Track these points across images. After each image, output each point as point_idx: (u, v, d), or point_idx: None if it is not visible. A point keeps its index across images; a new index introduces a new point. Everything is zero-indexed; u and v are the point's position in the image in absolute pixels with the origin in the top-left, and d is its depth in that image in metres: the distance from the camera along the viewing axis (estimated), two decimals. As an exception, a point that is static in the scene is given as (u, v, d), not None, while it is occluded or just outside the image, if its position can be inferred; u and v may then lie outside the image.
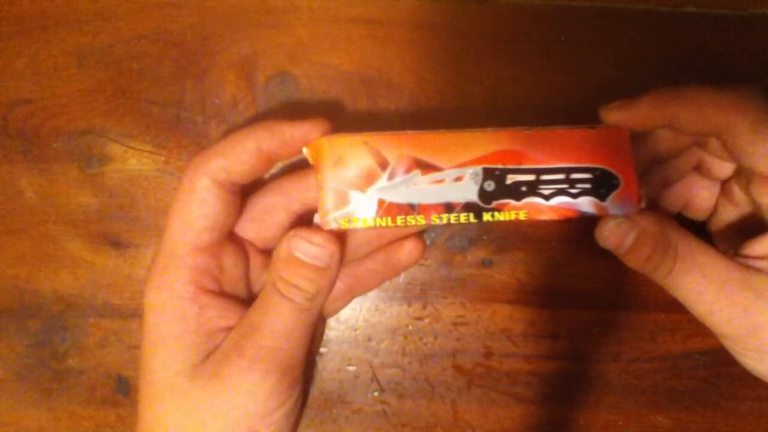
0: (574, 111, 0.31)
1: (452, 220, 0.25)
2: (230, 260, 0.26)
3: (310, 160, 0.25)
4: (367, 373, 0.32)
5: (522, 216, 0.25)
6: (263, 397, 0.24)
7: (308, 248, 0.24)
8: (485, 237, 0.32)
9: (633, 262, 0.25)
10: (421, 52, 0.31)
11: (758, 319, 0.23)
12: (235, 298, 0.26)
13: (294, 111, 0.31)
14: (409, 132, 0.24)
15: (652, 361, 0.32)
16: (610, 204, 0.25)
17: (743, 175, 0.26)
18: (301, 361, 0.25)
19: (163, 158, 0.31)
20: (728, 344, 0.25)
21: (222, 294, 0.25)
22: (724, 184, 0.28)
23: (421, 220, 0.24)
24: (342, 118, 0.31)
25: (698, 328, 0.32)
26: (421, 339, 0.32)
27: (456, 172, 0.24)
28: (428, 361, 0.32)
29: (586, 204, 0.25)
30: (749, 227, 0.26)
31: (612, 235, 0.25)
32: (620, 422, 0.33)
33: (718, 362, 0.32)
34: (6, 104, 0.31)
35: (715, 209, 0.29)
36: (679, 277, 0.24)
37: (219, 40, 0.31)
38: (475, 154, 0.24)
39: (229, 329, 0.25)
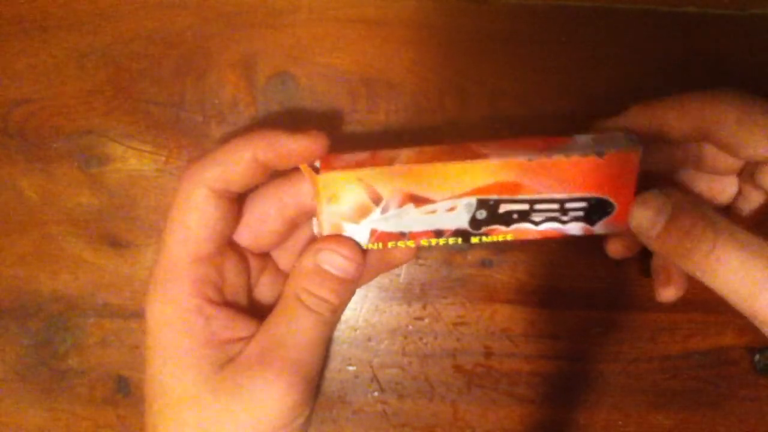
0: (574, 111, 0.31)
1: (441, 243, 0.26)
2: (231, 268, 0.26)
3: (307, 176, 0.25)
4: (367, 373, 0.32)
5: (509, 237, 0.25)
6: (287, 409, 0.24)
7: (336, 260, 0.24)
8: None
9: (669, 240, 0.23)
10: (421, 52, 0.31)
11: None
12: (238, 306, 0.26)
13: (294, 111, 0.31)
14: (404, 166, 0.24)
15: (652, 361, 0.32)
16: (598, 227, 0.25)
17: (746, 168, 0.26)
18: (320, 372, 0.25)
19: (163, 158, 0.31)
20: None
21: (226, 303, 0.25)
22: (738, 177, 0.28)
23: (410, 244, 0.26)
24: (342, 118, 0.31)
25: (698, 328, 0.32)
26: (421, 339, 0.32)
27: (449, 204, 0.24)
28: (428, 361, 0.32)
29: (574, 228, 0.25)
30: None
31: (644, 213, 0.23)
32: (620, 422, 0.33)
33: (718, 362, 0.32)
34: (6, 104, 0.31)
35: (732, 205, 0.28)
36: (721, 257, 0.22)
37: (219, 40, 0.31)
38: (471, 186, 0.24)
39: (238, 339, 0.25)
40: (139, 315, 0.32)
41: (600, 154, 0.23)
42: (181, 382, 0.24)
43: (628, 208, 0.24)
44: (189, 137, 0.31)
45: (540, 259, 0.32)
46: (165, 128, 0.31)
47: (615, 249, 0.29)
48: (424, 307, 0.32)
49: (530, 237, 0.25)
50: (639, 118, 0.25)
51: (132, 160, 0.31)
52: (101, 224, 0.32)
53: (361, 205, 0.24)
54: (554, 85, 0.31)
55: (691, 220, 0.22)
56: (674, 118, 0.24)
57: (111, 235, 0.32)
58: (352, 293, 0.25)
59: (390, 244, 0.25)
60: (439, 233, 0.25)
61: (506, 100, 0.31)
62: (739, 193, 0.28)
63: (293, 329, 0.24)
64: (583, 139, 0.24)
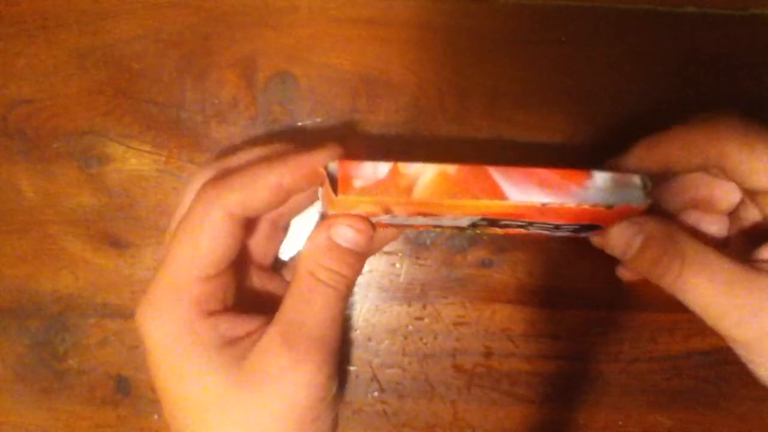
0: (574, 111, 0.31)
1: (438, 231, 0.27)
2: (234, 278, 0.26)
3: (324, 188, 0.24)
4: (367, 373, 0.32)
5: (500, 232, 0.27)
6: (319, 387, 0.24)
7: (350, 234, 0.24)
8: (485, 237, 0.32)
9: (640, 266, 0.25)
10: (421, 52, 0.31)
11: None
12: (241, 306, 0.26)
13: (294, 111, 0.31)
14: (422, 200, 0.23)
15: (652, 361, 0.32)
16: (584, 236, 0.27)
17: (748, 194, 0.26)
18: (339, 347, 0.25)
19: (163, 158, 0.31)
20: (740, 351, 0.25)
21: (226, 308, 0.25)
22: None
23: (409, 231, 0.27)
24: (342, 118, 0.31)
25: (698, 328, 0.32)
26: (421, 339, 0.32)
27: (455, 220, 0.25)
28: (428, 361, 0.32)
29: (561, 233, 0.27)
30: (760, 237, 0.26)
31: (618, 241, 0.25)
32: (620, 422, 0.33)
33: (718, 362, 0.32)
34: (6, 104, 0.31)
35: (730, 220, 0.29)
36: (688, 281, 0.24)
37: (219, 40, 0.31)
38: (482, 213, 0.24)
39: (247, 334, 0.25)
40: (139, 315, 0.32)
41: (609, 207, 0.24)
42: (204, 388, 0.23)
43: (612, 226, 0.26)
44: (189, 137, 0.31)
45: (540, 259, 0.32)
46: (165, 128, 0.31)
47: (625, 275, 0.30)
48: (424, 307, 0.32)
49: (518, 234, 0.28)
50: (646, 157, 0.26)
51: (132, 160, 0.31)
52: (101, 224, 0.32)
53: (371, 213, 0.24)
54: (554, 85, 0.31)
55: (659, 249, 0.24)
56: (679, 153, 0.25)
57: (111, 235, 0.32)
58: (362, 267, 0.26)
59: (390, 227, 0.27)
60: (438, 226, 0.27)
61: (506, 100, 0.31)
62: (742, 202, 0.28)
63: (314, 308, 0.24)
64: (599, 180, 0.24)
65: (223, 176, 0.24)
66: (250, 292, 0.28)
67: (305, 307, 0.24)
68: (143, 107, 0.31)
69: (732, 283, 0.23)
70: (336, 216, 0.24)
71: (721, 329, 0.24)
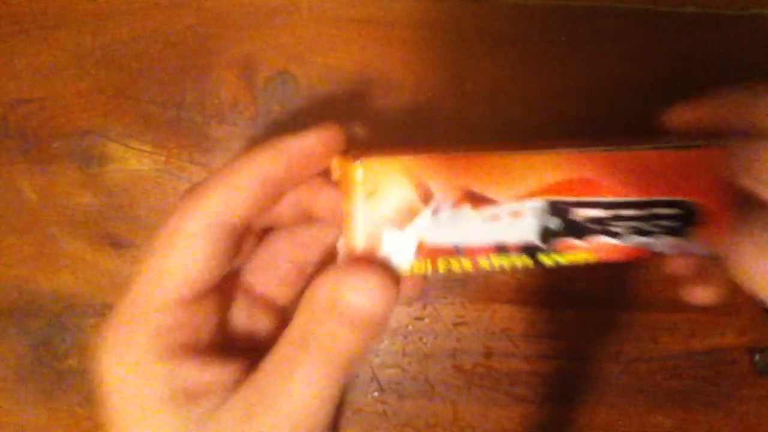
0: (574, 111, 0.31)
1: (505, 265, 0.20)
2: (217, 309, 0.21)
3: (337, 169, 0.21)
4: (367, 373, 0.32)
5: (587, 257, 0.21)
6: None
7: (362, 294, 0.18)
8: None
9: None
10: (421, 52, 0.31)
11: None
12: (212, 345, 0.21)
13: (294, 111, 0.31)
14: (460, 154, 0.19)
15: (652, 361, 0.32)
16: (693, 242, 0.21)
17: None
18: None
19: (163, 158, 0.31)
20: None
21: (197, 346, 0.20)
22: None
23: (466, 265, 0.20)
24: (342, 118, 0.31)
25: (698, 328, 0.32)
26: (421, 339, 0.32)
27: (514, 206, 0.20)
28: (428, 361, 0.32)
29: (664, 244, 0.21)
30: None
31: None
32: (620, 422, 0.33)
33: (718, 362, 0.32)
34: (6, 104, 0.31)
35: None
36: None
37: (219, 40, 0.31)
38: (539, 183, 0.20)
39: (216, 389, 0.19)
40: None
41: (685, 147, 0.20)
42: None
43: (722, 220, 0.21)
44: (189, 137, 0.31)
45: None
46: (165, 128, 0.31)
47: (697, 296, 0.25)
48: (424, 307, 0.32)
49: (613, 257, 0.21)
50: (728, 110, 0.23)
51: (132, 160, 0.31)
52: (101, 224, 0.32)
53: (407, 205, 0.19)
54: (554, 84, 0.31)
55: None
56: (725, 114, 0.22)
57: (111, 235, 0.32)
58: (378, 339, 0.21)
59: (441, 265, 0.20)
60: (502, 248, 0.20)
61: (506, 100, 0.31)
62: None
63: (294, 384, 0.18)
64: (662, 139, 0.21)
65: (203, 181, 0.20)
66: (237, 329, 0.22)
67: (282, 382, 0.18)
68: (143, 107, 0.31)
69: None
70: (347, 265, 0.19)
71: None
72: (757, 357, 0.32)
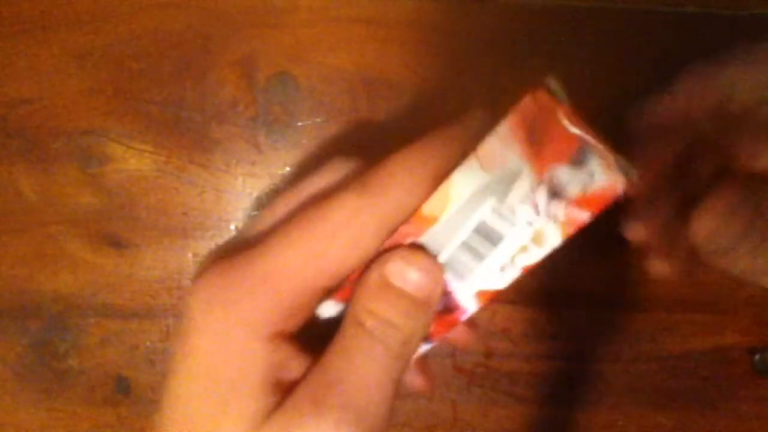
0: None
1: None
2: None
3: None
4: (367, 373, 0.32)
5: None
6: None
7: (409, 273, 0.19)
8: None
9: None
10: (421, 52, 0.31)
11: None
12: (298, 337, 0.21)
13: (294, 111, 0.31)
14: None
15: (652, 361, 0.32)
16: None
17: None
18: (388, 420, 0.19)
19: (163, 158, 0.31)
20: None
21: (291, 334, 0.20)
22: None
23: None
24: (342, 118, 0.31)
25: (698, 328, 0.32)
26: (421, 339, 0.32)
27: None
28: (428, 361, 0.32)
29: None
30: None
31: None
32: (620, 422, 0.33)
33: (718, 362, 0.32)
34: (6, 104, 0.31)
35: None
36: None
37: (219, 40, 0.31)
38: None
39: (291, 380, 0.19)
40: (138, 315, 0.32)
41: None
42: (231, 425, 0.18)
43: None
44: (189, 137, 0.31)
45: (540, 259, 0.32)
46: (165, 128, 0.31)
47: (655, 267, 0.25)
48: (424, 307, 0.32)
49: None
50: (699, 89, 0.22)
51: (132, 160, 0.31)
52: (101, 224, 0.32)
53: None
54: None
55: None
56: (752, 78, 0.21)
57: (111, 235, 0.32)
58: (428, 322, 0.20)
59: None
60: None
61: (506, 100, 0.31)
62: None
63: (355, 366, 0.19)
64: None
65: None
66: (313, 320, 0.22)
67: (344, 365, 0.19)
68: (143, 107, 0.31)
69: None
70: (395, 248, 0.19)
71: None
72: (757, 357, 0.32)
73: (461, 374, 0.32)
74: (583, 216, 0.18)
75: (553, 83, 0.18)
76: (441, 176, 0.18)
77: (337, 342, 0.19)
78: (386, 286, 0.19)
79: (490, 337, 0.32)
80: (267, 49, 0.31)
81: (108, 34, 0.31)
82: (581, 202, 0.18)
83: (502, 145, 0.18)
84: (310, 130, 0.31)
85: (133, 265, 0.32)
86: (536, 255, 0.20)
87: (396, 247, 0.19)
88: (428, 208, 0.19)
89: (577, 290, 0.32)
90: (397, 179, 0.19)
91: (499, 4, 0.31)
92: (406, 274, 0.19)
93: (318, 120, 0.31)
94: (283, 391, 0.19)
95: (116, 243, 0.32)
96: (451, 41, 0.31)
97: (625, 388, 0.32)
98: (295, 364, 0.19)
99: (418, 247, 0.19)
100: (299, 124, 0.31)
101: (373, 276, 0.19)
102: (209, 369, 0.18)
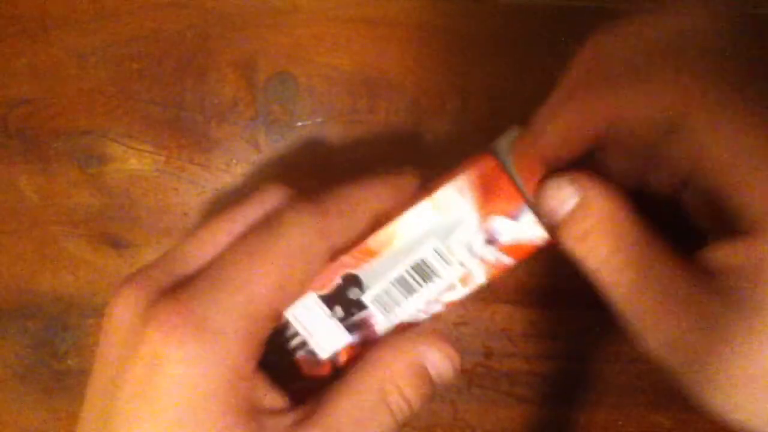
0: (574, 111, 0.31)
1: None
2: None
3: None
4: (367, 373, 0.32)
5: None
6: None
7: (443, 364, 0.21)
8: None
9: (565, 237, 0.20)
10: (421, 52, 0.31)
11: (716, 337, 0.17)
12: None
13: (294, 111, 0.31)
14: None
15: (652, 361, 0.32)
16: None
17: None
18: None
19: (163, 158, 0.31)
20: (679, 377, 0.18)
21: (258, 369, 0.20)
22: None
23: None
24: (342, 118, 0.31)
25: (698, 328, 0.32)
26: (421, 339, 0.32)
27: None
28: (428, 361, 0.32)
29: None
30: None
31: (551, 198, 0.20)
32: (620, 422, 0.33)
33: (718, 362, 0.32)
34: (6, 104, 0.31)
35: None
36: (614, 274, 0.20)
37: (219, 40, 0.31)
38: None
39: (273, 411, 0.19)
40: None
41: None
42: None
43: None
44: (189, 137, 0.31)
45: (540, 259, 0.32)
46: (165, 128, 0.31)
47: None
48: (424, 307, 0.32)
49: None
50: (578, 126, 0.20)
51: (132, 160, 0.31)
52: (101, 224, 0.32)
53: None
54: (554, 84, 0.31)
55: (590, 223, 0.20)
56: (635, 110, 0.19)
57: (111, 235, 0.32)
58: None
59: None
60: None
61: (506, 100, 0.31)
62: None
63: (367, 428, 0.19)
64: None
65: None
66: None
67: (356, 424, 0.19)
68: (143, 107, 0.31)
69: (668, 289, 0.18)
70: (430, 335, 0.21)
71: (650, 348, 0.19)
72: (757, 357, 0.32)
73: (461, 374, 0.32)
74: (508, 262, 0.21)
75: (503, 145, 0.21)
76: (381, 215, 0.20)
77: (353, 401, 0.19)
78: (420, 370, 0.20)
79: (490, 337, 0.32)
80: (267, 49, 0.31)
81: (108, 34, 0.31)
82: (509, 249, 0.21)
83: (458, 194, 0.21)
84: (310, 130, 0.31)
85: (133, 265, 0.32)
86: (460, 293, 0.22)
87: (427, 333, 0.21)
88: (373, 242, 0.20)
89: (577, 290, 0.32)
90: (355, 206, 0.20)
91: (499, 4, 0.31)
92: (440, 364, 0.20)
93: (318, 120, 0.31)
94: (267, 419, 0.19)
95: (116, 243, 0.32)
96: (452, 41, 0.31)
97: (625, 388, 0.32)
98: (269, 394, 0.20)
99: (445, 337, 0.21)
100: (299, 124, 0.31)
101: (412, 358, 0.20)
102: (182, 412, 0.17)
